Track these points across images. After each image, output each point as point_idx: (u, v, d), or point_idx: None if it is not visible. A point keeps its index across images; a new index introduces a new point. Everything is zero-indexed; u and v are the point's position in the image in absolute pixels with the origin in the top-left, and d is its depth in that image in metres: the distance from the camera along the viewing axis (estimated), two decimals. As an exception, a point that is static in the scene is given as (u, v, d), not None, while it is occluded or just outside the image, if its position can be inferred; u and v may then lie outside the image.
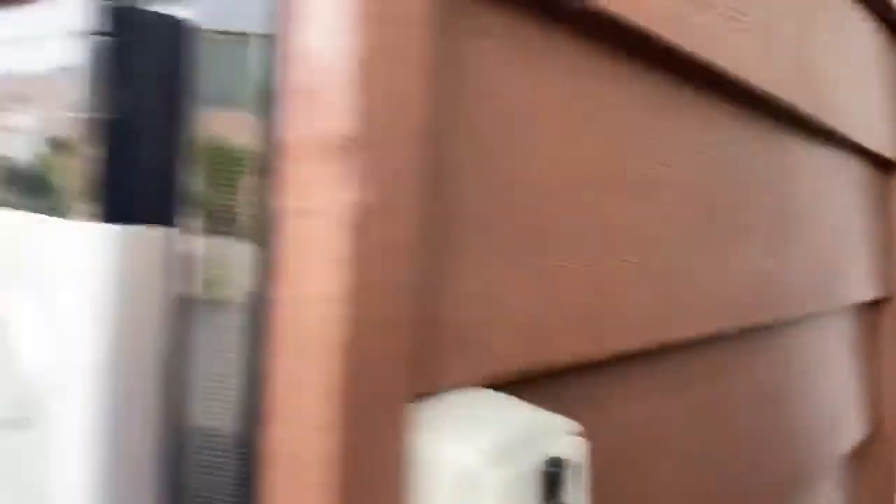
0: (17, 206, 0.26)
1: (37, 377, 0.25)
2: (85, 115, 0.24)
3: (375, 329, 0.25)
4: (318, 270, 0.24)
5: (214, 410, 0.26)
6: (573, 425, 0.31)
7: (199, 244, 0.25)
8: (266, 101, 0.25)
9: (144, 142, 0.25)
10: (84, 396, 0.24)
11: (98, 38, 0.24)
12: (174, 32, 0.25)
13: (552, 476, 0.29)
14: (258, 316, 0.26)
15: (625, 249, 0.42)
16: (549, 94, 0.36)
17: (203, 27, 0.25)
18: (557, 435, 0.30)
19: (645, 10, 0.39)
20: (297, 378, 0.25)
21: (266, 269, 0.25)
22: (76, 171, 0.25)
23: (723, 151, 0.54)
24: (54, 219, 0.25)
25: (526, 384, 0.35)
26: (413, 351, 0.27)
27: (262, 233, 0.25)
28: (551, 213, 0.36)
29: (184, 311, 0.26)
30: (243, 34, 0.25)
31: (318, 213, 0.24)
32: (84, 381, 0.24)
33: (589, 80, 0.38)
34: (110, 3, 0.24)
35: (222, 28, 0.25)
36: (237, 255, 0.25)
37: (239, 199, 0.25)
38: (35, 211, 0.25)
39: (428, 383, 0.29)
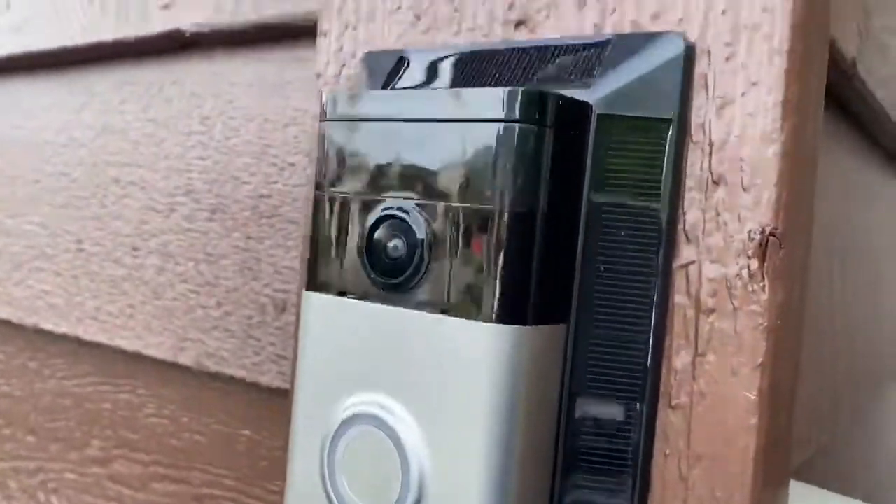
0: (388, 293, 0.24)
1: (423, 482, 0.23)
2: (497, 207, 0.22)
3: (779, 432, 0.24)
4: (736, 373, 0.23)
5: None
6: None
7: (591, 343, 0.24)
8: (674, 190, 0.24)
9: (549, 236, 0.23)
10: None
11: (514, 125, 0.22)
12: (583, 117, 0.24)
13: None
14: (653, 416, 0.24)
15: None
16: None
17: (607, 112, 0.24)
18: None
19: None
20: (703, 487, 0.23)
21: (661, 366, 0.24)
22: (473, 265, 0.23)
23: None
24: (445, 317, 0.23)
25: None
26: (788, 449, 0.26)
27: (661, 329, 0.24)
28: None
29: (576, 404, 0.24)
30: (650, 119, 0.24)
31: (735, 313, 0.23)
32: (474, 493, 0.23)
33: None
34: (519, 88, 0.23)
35: (626, 113, 0.24)
36: (630, 353, 0.24)
37: (638, 292, 0.24)
38: (408, 302, 0.24)
39: (785, 482, 0.27)
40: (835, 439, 0.44)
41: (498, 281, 0.22)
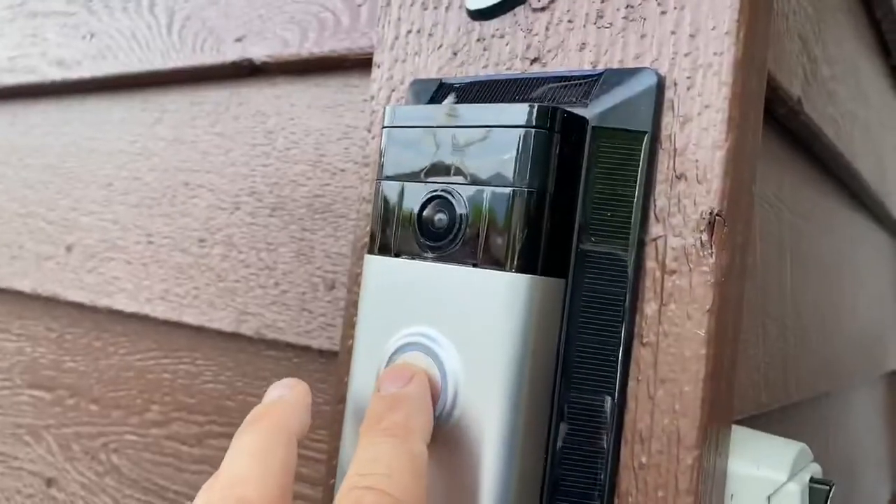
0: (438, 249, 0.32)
1: (457, 386, 0.31)
2: (518, 187, 0.31)
3: (723, 365, 0.32)
4: (691, 317, 0.31)
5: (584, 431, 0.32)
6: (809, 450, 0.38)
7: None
8: (647, 182, 0.32)
9: (554, 210, 0.31)
10: (493, 407, 0.31)
11: (532, 129, 0.31)
12: (581, 128, 0.32)
13: (818, 491, 0.35)
14: (629, 350, 0.32)
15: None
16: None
17: (599, 125, 0.32)
18: (808, 458, 0.37)
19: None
20: (666, 404, 0.31)
21: (636, 313, 0.32)
22: (498, 231, 0.31)
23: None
24: (476, 269, 0.31)
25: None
26: (731, 384, 0.34)
27: (636, 285, 0.32)
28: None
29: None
30: (630, 131, 0.32)
31: (690, 273, 0.31)
32: (495, 397, 0.31)
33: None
34: (537, 104, 0.31)
35: (614, 126, 0.32)
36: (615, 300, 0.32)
37: (619, 258, 0.32)
38: (458, 257, 0.32)
39: (729, 416, 0.35)
40: (790, 416, 0.51)
41: (516, 241, 0.31)
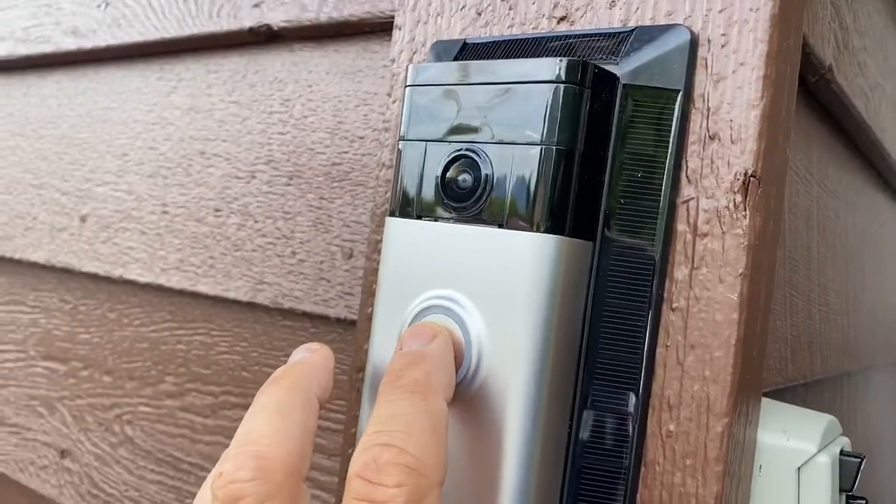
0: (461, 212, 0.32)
1: (481, 350, 0.31)
2: (546, 145, 0.30)
3: (755, 331, 0.31)
4: (723, 281, 0.30)
5: (612, 396, 0.31)
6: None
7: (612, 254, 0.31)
8: (679, 142, 0.31)
9: (583, 170, 0.31)
10: (518, 371, 0.30)
11: (561, 85, 0.30)
12: (612, 85, 0.31)
13: (848, 463, 0.35)
14: (657, 316, 0.31)
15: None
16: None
17: (630, 82, 0.31)
18: (838, 431, 0.37)
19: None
20: (695, 370, 0.31)
21: (665, 277, 0.31)
22: (525, 190, 0.30)
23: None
24: (500, 230, 0.31)
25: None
26: (762, 352, 0.33)
27: (666, 248, 0.31)
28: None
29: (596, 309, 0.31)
30: (663, 89, 0.31)
31: (723, 235, 0.30)
32: (520, 361, 0.30)
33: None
34: (567, 58, 0.30)
35: (645, 84, 0.31)
36: (642, 264, 0.31)
37: (649, 220, 0.31)
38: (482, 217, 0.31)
39: (759, 384, 0.34)
40: (813, 395, 0.50)
41: (544, 201, 0.30)
